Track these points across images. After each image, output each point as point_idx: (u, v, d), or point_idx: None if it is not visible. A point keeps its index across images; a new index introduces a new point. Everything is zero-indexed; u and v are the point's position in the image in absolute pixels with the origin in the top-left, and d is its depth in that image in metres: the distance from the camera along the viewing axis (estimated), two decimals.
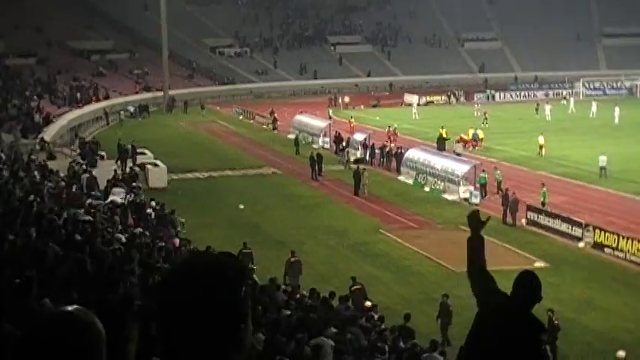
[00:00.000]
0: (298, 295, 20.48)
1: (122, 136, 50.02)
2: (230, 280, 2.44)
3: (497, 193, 38.63)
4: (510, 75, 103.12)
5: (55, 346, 2.31)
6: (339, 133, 54.13)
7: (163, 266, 16.33)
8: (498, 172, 40.24)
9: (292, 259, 25.54)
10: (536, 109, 70.82)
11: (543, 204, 34.87)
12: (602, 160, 43.34)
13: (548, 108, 68.95)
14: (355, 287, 22.90)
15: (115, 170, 36.14)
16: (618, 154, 49.41)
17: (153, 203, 30.10)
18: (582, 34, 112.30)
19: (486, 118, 63.62)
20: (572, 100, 75.76)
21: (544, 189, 35.91)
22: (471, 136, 54.28)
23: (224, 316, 2.41)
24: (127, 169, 42.07)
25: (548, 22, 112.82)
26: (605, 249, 29.38)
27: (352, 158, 49.49)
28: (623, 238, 28.93)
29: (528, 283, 5.19)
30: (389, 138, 54.09)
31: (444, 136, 53.58)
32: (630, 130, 59.29)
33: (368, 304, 21.62)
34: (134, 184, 33.84)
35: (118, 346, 3.07)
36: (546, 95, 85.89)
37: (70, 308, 2.39)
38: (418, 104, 78.27)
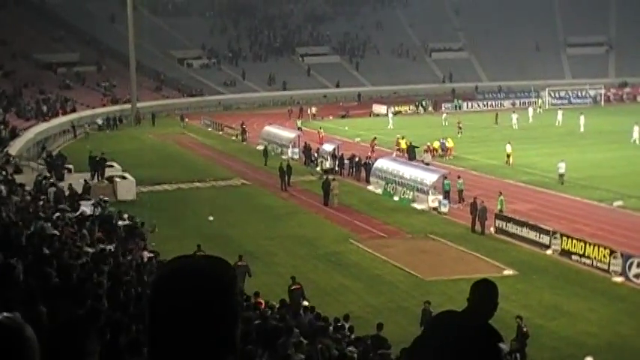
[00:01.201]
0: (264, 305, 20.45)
1: (92, 149, 49.72)
2: (224, 282, 2.44)
3: (460, 201, 39.05)
4: (478, 84, 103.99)
5: None
6: (308, 144, 54.22)
7: (134, 278, 16.22)
8: (460, 180, 40.52)
9: (239, 263, 25.71)
10: (496, 119, 71.52)
11: (501, 211, 35.14)
12: (561, 167, 44.00)
13: (515, 117, 69.51)
14: (294, 287, 23.64)
15: (70, 184, 35.68)
16: (584, 161, 50.04)
17: (125, 216, 29.93)
18: (547, 44, 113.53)
19: (460, 128, 63.91)
20: (530, 110, 76.09)
21: (501, 197, 36.27)
22: (438, 145, 54.60)
23: (220, 319, 2.41)
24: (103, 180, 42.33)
25: (514, 32, 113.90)
26: (573, 256, 29.63)
27: (320, 169, 49.69)
28: (589, 245, 29.20)
29: (487, 292, 4.91)
30: (398, 148, 54.12)
31: (403, 146, 54.11)
32: (595, 139, 59.98)
33: (305, 303, 21.98)
34: (101, 197, 33.61)
35: None
36: (513, 104, 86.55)
37: None
38: (393, 114, 78.42)
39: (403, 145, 54.55)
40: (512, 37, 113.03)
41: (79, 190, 35.25)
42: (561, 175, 43.84)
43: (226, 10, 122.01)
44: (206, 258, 2.55)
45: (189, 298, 2.38)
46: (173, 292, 2.40)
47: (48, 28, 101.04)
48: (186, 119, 79.78)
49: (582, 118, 65.27)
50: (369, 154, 51.88)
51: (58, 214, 24.97)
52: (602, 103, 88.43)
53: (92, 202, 31.84)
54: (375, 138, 56.59)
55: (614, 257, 27.95)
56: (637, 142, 56.70)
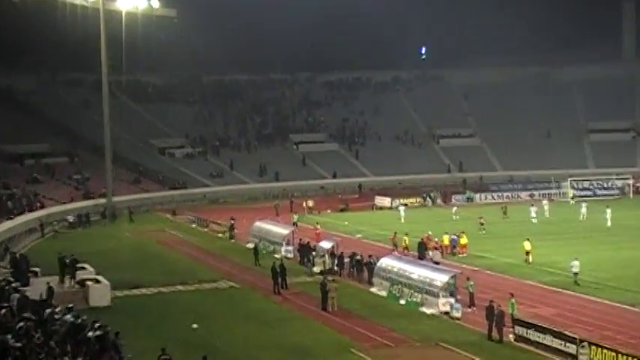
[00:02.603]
0: None
1: (61, 249, 49.66)
2: None
3: (470, 306, 38.62)
4: (491, 174, 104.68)
5: None
6: (307, 242, 54.01)
7: None
8: (471, 282, 40.15)
9: None
10: (504, 212, 71.71)
11: (512, 316, 34.76)
12: (575, 265, 44.03)
13: (533, 210, 69.69)
14: None
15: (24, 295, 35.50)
16: (612, 260, 50.00)
17: (97, 325, 29.55)
18: (567, 130, 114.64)
19: (482, 224, 63.70)
20: (545, 202, 76.24)
21: (512, 299, 35.86)
22: (448, 242, 54.53)
23: None
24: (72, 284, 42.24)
25: (530, 117, 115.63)
26: None
27: (318, 269, 49.55)
28: (622, 355, 28.79)
29: None
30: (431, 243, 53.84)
31: (406, 244, 54.06)
32: (624, 234, 60.02)
33: None
34: (69, 305, 33.26)
35: None
36: (531, 196, 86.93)
37: None
38: (405, 206, 78.67)
39: (446, 241, 54.39)
40: (529, 123, 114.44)
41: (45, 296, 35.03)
42: (575, 274, 43.81)
43: (213, 95, 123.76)
44: None
45: None
46: None
47: (15, 116, 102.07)
48: (167, 214, 79.79)
49: (609, 212, 65.46)
50: (394, 251, 52.52)
51: (21, 324, 24.67)
52: (631, 194, 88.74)
53: (59, 309, 31.52)
54: (396, 233, 56.48)
55: None
56: None
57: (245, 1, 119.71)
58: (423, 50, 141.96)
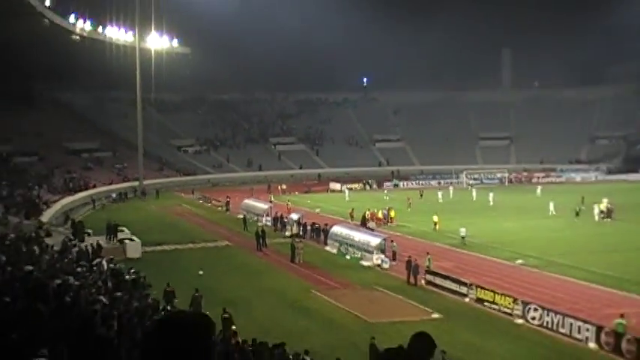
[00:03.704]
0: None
1: (108, 218, 49.50)
2: (205, 332, 2.57)
3: (393, 260, 39.01)
4: (411, 168, 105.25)
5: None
6: (281, 215, 54.15)
7: (141, 321, 16.01)
8: (394, 244, 40.56)
9: (196, 294, 27.02)
10: (421, 195, 72.30)
11: (428, 268, 35.24)
12: (462, 231, 44.76)
13: (440, 193, 70.31)
14: (224, 315, 24.20)
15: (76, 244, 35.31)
16: (493, 228, 50.68)
17: (133, 270, 29.55)
18: (464, 137, 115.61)
19: (410, 203, 64.23)
20: (451, 188, 76.89)
21: (429, 256, 36.43)
22: (381, 215, 54.87)
23: (199, 357, 2.52)
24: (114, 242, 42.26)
25: (440, 128, 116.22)
26: (485, 303, 29.76)
27: (288, 233, 49.71)
28: (497, 294, 29.38)
29: (423, 346, 4.44)
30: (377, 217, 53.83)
31: (380, 215, 54.30)
32: (501, 211, 60.84)
33: (234, 327, 22.31)
34: (111, 257, 33.20)
35: None
36: (439, 183, 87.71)
37: None
38: (349, 189, 78.98)
39: (380, 215, 54.51)
40: (438, 131, 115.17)
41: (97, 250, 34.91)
42: (463, 237, 44.62)
43: (214, 108, 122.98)
44: (193, 313, 2.67)
45: (179, 344, 2.49)
46: (166, 338, 2.50)
47: (75, 122, 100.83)
48: (182, 194, 79.22)
49: (491, 195, 66.32)
50: (350, 221, 52.59)
51: (79, 269, 24.61)
52: (507, 183, 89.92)
53: (105, 259, 31.46)
54: (353, 209, 56.47)
55: (516, 304, 28.11)
56: (553, 213, 56.78)
57: (238, 41, 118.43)
58: (365, 80, 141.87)
